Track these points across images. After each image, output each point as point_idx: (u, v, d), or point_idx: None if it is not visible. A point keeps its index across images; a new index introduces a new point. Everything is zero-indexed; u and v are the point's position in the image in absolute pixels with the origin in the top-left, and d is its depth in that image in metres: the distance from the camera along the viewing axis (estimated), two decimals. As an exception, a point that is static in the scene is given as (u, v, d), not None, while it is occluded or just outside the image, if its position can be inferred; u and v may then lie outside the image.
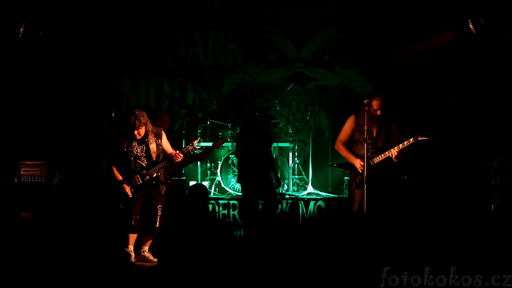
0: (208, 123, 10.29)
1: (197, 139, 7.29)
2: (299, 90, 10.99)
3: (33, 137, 9.12)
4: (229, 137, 10.05)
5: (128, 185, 7.12)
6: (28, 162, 8.48)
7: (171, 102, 10.81)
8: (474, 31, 8.54)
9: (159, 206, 7.22)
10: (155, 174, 7.18)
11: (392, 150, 6.93)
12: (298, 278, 5.95)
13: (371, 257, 6.16)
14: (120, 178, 7.15)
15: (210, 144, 9.69)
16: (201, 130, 10.26)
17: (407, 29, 9.90)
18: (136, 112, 7.14)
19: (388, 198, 7.20)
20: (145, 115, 7.16)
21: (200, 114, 10.43)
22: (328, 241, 7.62)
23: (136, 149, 7.18)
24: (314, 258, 6.54)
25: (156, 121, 8.34)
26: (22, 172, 8.38)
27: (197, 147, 7.22)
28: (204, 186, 7.02)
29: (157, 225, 7.17)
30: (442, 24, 9.31)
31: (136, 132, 7.07)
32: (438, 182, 8.73)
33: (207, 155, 8.75)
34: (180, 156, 7.17)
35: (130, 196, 7.11)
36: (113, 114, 8.50)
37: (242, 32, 10.97)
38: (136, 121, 7.05)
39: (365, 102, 7.07)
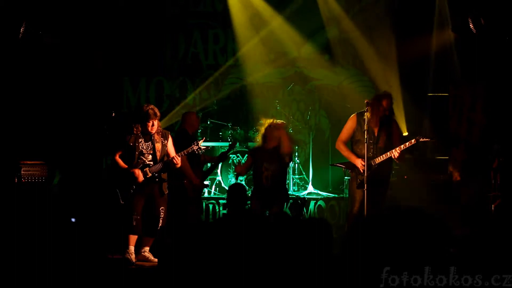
0: (208, 122, 10.29)
1: (202, 138, 7.28)
2: (299, 89, 10.98)
3: (33, 137, 9.12)
4: (229, 136, 10.06)
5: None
6: (28, 162, 8.48)
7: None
8: (474, 31, 8.54)
9: (161, 208, 7.19)
10: (157, 173, 7.17)
11: (393, 150, 6.94)
12: (298, 278, 5.94)
13: (371, 257, 6.15)
14: (126, 166, 7.16)
15: (212, 144, 9.75)
16: (201, 129, 10.26)
17: (408, 28, 9.90)
18: (151, 105, 7.19)
19: (389, 197, 7.20)
20: (159, 113, 7.20)
21: (200, 114, 10.43)
22: (328, 241, 7.60)
23: (142, 145, 7.17)
24: (314, 258, 6.53)
25: (186, 118, 8.31)
26: (22, 172, 8.38)
27: (202, 147, 7.20)
28: (242, 185, 6.99)
29: (159, 227, 7.15)
30: (442, 24, 9.32)
31: (150, 122, 7.05)
32: (438, 182, 8.73)
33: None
34: (178, 159, 7.13)
35: (141, 180, 7.08)
36: (113, 114, 8.50)
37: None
38: (152, 112, 7.07)
39: (365, 102, 7.08)
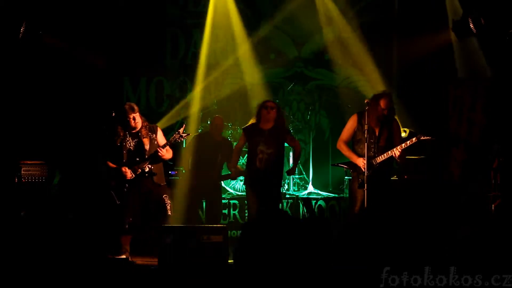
0: (209, 122, 10.28)
1: (182, 126, 7.26)
2: (300, 89, 10.99)
3: (33, 137, 9.12)
4: (229, 136, 10.05)
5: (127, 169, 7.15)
6: (28, 162, 8.48)
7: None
8: (474, 31, 8.53)
9: (164, 195, 7.19)
10: (147, 168, 7.18)
11: (394, 149, 6.94)
12: (298, 277, 5.95)
13: (371, 257, 6.15)
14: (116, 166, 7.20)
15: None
16: (202, 129, 10.26)
17: (408, 28, 9.90)
18: (127, 102, 7.39)
19: (390, 197, 7.21)
20: (136, 107, 7.28)
21: (200, 114, 10.45)
22: (328, 241, 7.61)
23: (130, 143, 7.21)
24: (314, 258, 6.54)
25: (211, 125, 8.69)
26: (22, 172, 8.38)
27: (184, 135, 7.20)
28: None
29: (169, 213, 7.14)
30: (443, 24, 9.32)
31: (130, 117, 7.11)
32: (439, 182, 8.74)
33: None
34: (163, 151, 7.15)
35: (130, 177, 7.10)
36: (113, 114, 8.52)
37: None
38: (128, 107, 7.19)
39: (366, 101, 7.08)
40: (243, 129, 7.80)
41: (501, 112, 8.73)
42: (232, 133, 10.12)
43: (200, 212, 9.16)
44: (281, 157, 7.59)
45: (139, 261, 7.24)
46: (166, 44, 10.93)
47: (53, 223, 7.99)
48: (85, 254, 7.17)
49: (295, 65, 11.07)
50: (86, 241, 7.69)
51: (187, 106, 10.66)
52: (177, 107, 10.55)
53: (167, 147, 7.18)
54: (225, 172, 8.81)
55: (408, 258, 6.18)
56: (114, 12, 10.20)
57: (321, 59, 11.00)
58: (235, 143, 9.96)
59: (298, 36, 10.99)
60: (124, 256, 7.13)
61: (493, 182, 7.98)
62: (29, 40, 8.68)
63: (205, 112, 10.49)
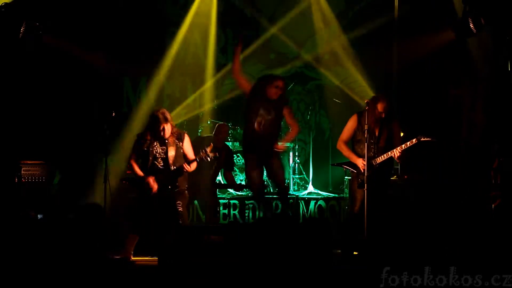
0: (209, 122, 10.29)
1: (210, 145, 7.20)
2: (300, 89, 10.99)
3: (33, 137, 9.12)
4: (229, 136, 10.05)
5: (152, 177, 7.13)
6: (28, 162, 8.48)
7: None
8: (474, 31, 8.53)
9: (178, 202, 7.17)
10: (170, 181, 7.16)
11: (394, 150, 6.95)
12: (298, 278, 5.95)
13: (371, 257, 6.16)
14: (142, 173, 7.16)
15: None
16: (202, 129, 10.27)
17: (407, 28, 9.90)
18: (162, 109, 7.23)
19: (390, 197, 7.21)
20: (169, 116, 7.22)
21: (201, 114, 10.45)
22: (328, 241, 7.62)
23: (156, 149, 7.16)
24: (314, 258, 6.54)
25: (216, 132, 8.69)
26: (22, 172, 8.38)
27: (211, 154, 7.16)
28: None
29: (180, 222, 7.12)
30: (443, 24, 9.31)
31: (161, 127, 7.05)
32: (439, 182, 8.74)
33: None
34: (188, 167, 7.13)
35: (155, 190, 7.08)
36: (113, 113, 8.52)
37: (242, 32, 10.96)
38: (162, 117, 7.08)
39: (365, 102, 7.09)
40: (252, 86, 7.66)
41: (501, 112, 8.72)
42: (232, 133, 10.12)
43: (200, 212, 9.17)
44: (278, 126, 7.61)
45: (139, 261, 7.24)
46: (166, 44, 10.92)
47: (53, 223, 7.99)
48: (85, 254, 7.16)
49: (295, 65, 11.07)
50: (86, 241, 7.69)
51: (188, 107, 10.69)
52: (178, 108, 10.56)
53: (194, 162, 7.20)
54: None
55: (408, 258, 6.19)
56: (114, 12, 10.20)
57: (321, 58, 10.99)
58: (236, 143, 10.02)
59: (298, 36, 10.98)
60: (124, 256, 7.13)
61: (493, 182, 7.97)
62: (29, 40, 8.68)
63: (205, 112, 10.49)
